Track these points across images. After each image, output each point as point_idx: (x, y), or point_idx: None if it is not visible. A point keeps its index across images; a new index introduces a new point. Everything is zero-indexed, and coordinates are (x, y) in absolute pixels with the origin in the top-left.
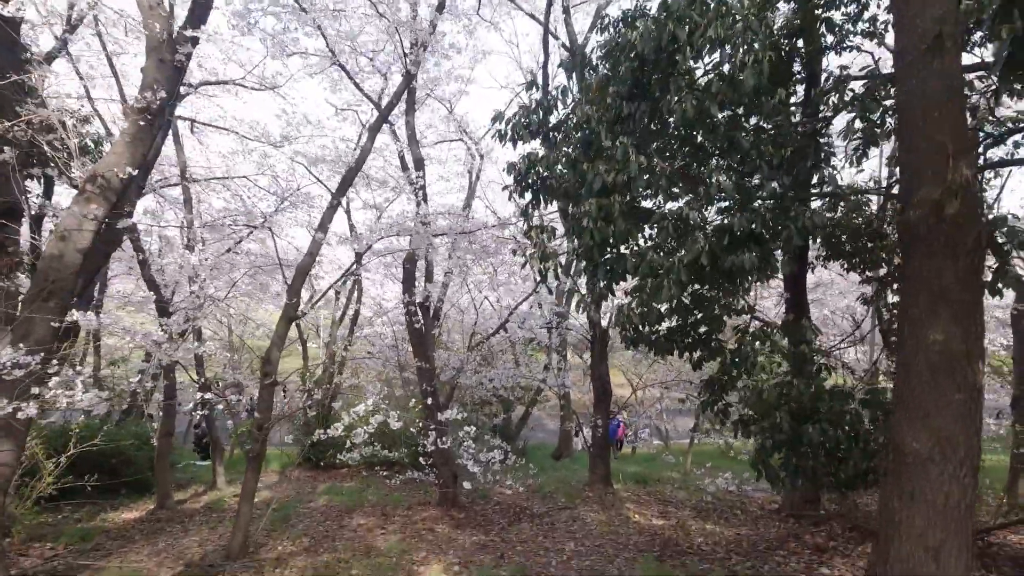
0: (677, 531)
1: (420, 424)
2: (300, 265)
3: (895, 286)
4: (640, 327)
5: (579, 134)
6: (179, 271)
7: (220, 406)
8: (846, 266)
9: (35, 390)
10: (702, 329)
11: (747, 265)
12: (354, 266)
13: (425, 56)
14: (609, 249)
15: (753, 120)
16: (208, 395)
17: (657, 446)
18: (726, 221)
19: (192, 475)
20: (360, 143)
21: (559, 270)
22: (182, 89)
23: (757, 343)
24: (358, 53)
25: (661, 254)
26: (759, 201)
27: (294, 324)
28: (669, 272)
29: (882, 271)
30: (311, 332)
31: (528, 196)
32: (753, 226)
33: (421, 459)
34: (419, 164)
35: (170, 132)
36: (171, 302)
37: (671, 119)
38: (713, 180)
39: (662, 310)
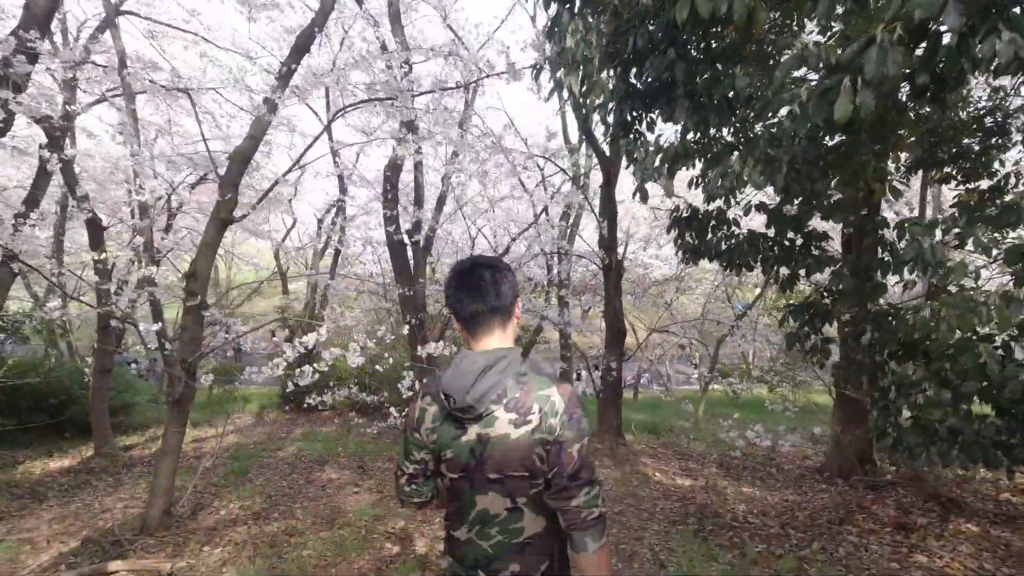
0: (710, 494)
1: (392, 361)
2: (238, 150)
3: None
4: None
5: None
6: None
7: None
8: (937, 175)
9: None
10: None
11: (1003, 57)
12: (320, 137)
13: None
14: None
15: None
16: (158, 325)
17: (658, 391)
18: None
19: (159, 415)
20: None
21: (608, 106)
22: None
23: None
24: None
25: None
26: None
27: (274, 256)
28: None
29: (981, 183)
30: (293, 266)
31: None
32: None
33: (394, 408)
34: (404, 46)
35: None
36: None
37: None
38: None
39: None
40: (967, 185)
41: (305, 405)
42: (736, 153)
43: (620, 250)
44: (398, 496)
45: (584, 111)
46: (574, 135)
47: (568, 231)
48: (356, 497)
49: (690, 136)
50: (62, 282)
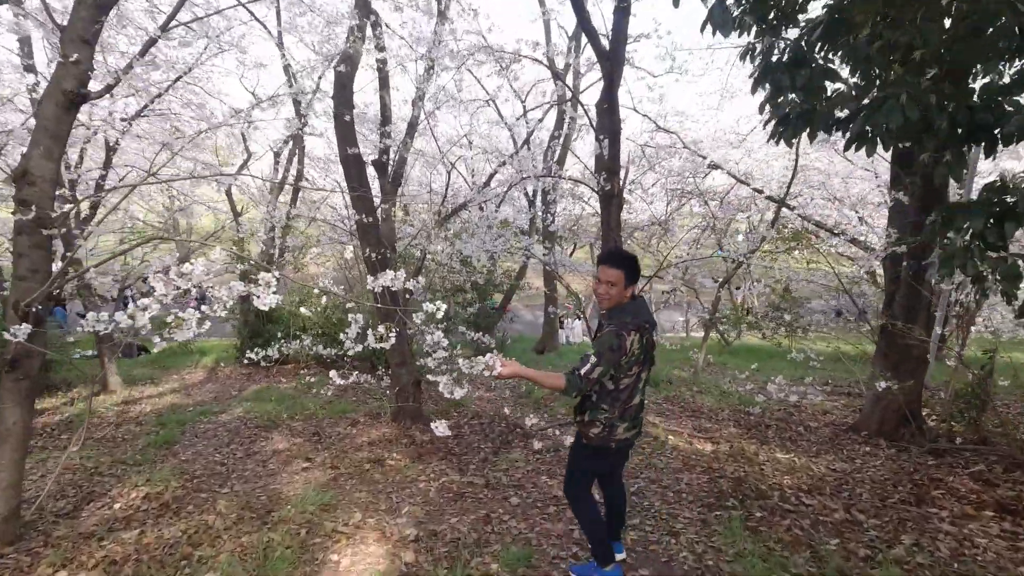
0: (741, 463)
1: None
2: None
3: None
4: None
5: None
6: None
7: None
8: None
9: None
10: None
11: None
12: None
13: None
14: None
15: None
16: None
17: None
18: None
19: (91, 373)
20: None
21: None
22: None
23: None
24: None
25: None
26: None
27: (225, 192)
28: None
29: None
30: (248, 204)
31: None
32: None
33: (342, 360)
34: None
35: None
36: None
37: None
38: None
39: None
40: None
41: (246, 361)
42: None
43: (622, 175)
44: (579, 390)
45: None
46: (558, 41)
47: (555, 157)
48: (304, 475)
49: None
50: None
